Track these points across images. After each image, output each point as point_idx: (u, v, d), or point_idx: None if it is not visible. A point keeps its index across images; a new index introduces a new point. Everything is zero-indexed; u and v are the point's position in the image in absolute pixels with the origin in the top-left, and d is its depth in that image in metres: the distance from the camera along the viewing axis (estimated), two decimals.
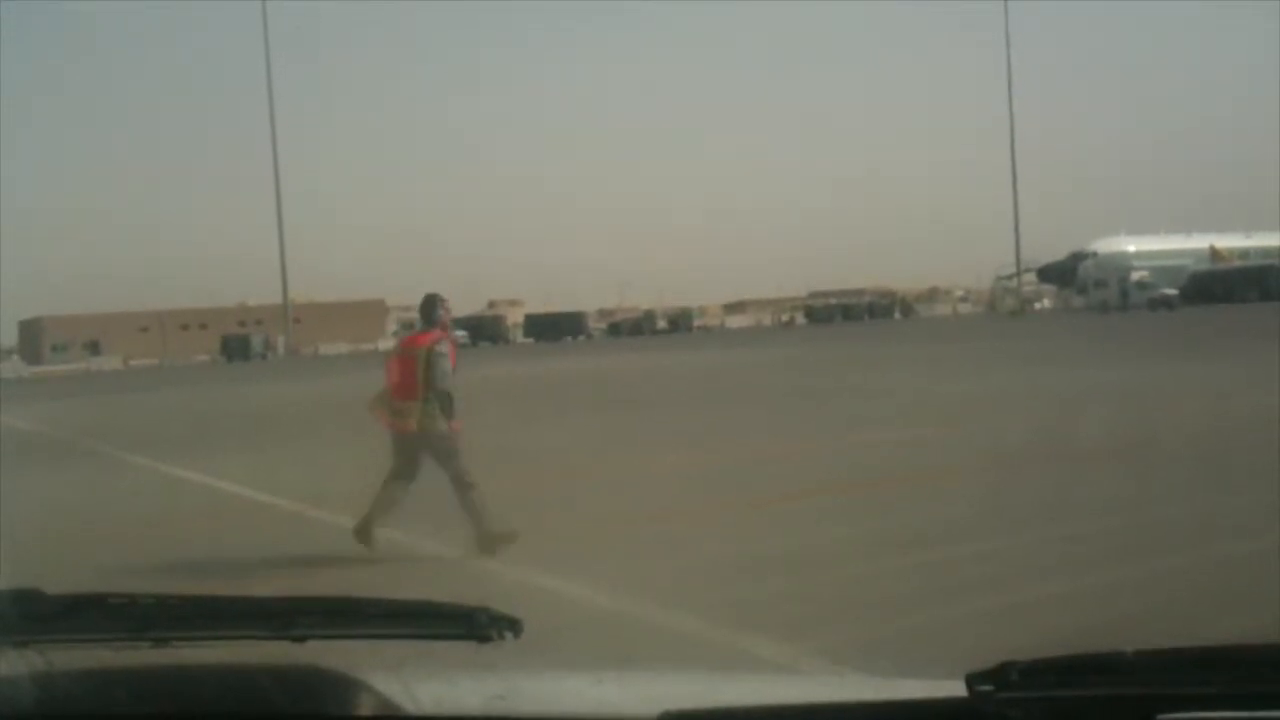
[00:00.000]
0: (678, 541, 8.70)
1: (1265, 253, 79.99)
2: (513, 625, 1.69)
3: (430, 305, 8.91)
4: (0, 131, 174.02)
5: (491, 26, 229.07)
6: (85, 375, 72.70)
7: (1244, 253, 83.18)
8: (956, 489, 10.54)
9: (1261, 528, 7.77)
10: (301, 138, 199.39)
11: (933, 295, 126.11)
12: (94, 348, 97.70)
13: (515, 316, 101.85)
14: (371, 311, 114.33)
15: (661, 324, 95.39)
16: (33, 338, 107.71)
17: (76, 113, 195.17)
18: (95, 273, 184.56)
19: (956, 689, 1.41)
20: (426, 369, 8.49)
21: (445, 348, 8.65)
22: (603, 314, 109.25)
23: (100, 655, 1.76)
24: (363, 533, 8.42)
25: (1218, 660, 1.37)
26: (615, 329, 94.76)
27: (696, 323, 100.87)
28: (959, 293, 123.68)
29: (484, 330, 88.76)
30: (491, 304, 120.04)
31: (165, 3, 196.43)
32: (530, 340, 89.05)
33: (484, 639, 1.68)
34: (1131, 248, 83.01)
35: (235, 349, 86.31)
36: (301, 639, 1.72)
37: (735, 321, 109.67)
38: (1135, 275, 74.06)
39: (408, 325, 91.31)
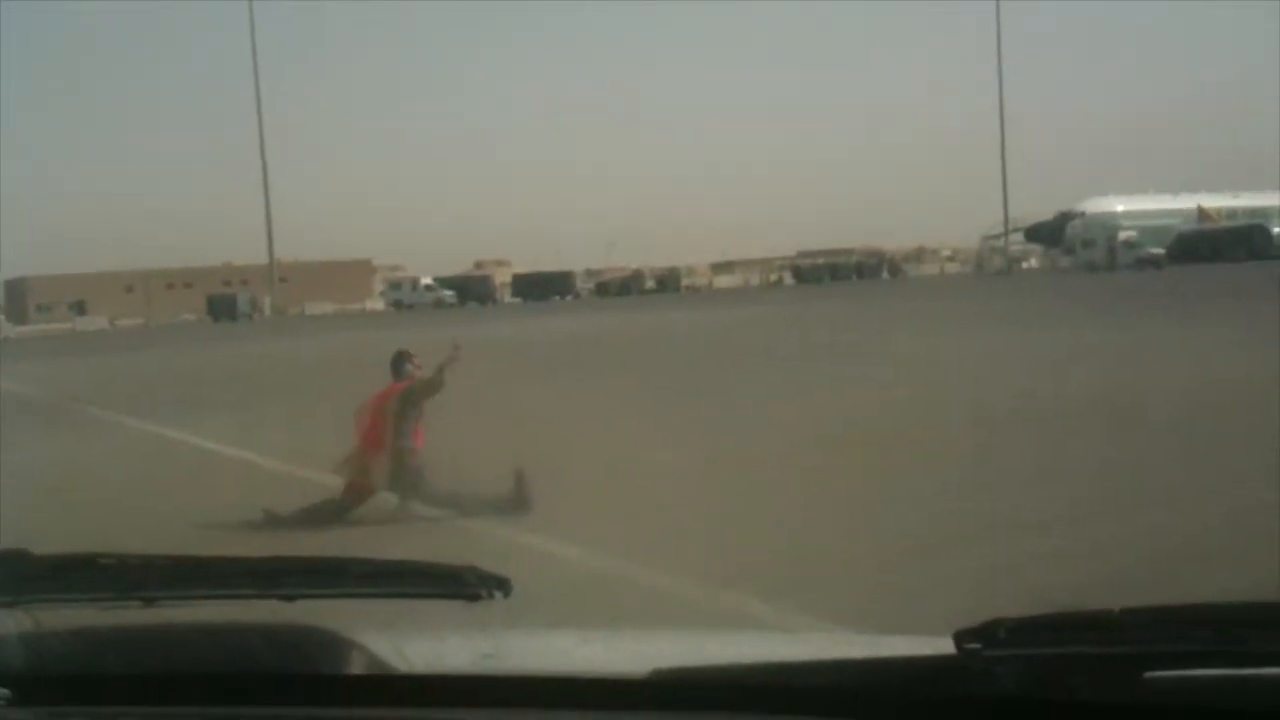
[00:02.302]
0: (666, 502, 8.73)
1: (1252, 213, 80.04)
2: (501, 585, 1.69)
3: (399, 360, 8.91)
4: None
5: None
6: (71, 335, 72.37)
7: (1231, 212, 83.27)
8: (941, 449, 10.58)
9: (1234, 488, 7.88)
10: (287, 97, 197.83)
11: (920, 255, 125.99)
12: (79, 308, 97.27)
13: (503, 276, 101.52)
14: (358, 272, 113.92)
15: (649, 284, 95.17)
16: (18, 298, 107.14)
17: (61, 74, 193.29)
18: (80, 233, 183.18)
19: (945, 646, 1.41)
20: (398, 414, 8.47)
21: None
22: (590, 274, 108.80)
23: (89, 615, 1.76)
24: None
25: (1205, 619, 1.37)
26: (603, 289, 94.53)
27: (684, 283, 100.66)
28: (946, 252, 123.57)
29: (471, 290, 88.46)
30: (478, 264, 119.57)
31: None
32: (518, 300, 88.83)
33: (473, 598, 1.68)
34: (1119, 207, 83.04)
35: (221, 309, 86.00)
36: (290, 598, 1.72)
37: (723, 281, 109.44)
38: (1122, 235, 74.10)
39: (395, 285, 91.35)
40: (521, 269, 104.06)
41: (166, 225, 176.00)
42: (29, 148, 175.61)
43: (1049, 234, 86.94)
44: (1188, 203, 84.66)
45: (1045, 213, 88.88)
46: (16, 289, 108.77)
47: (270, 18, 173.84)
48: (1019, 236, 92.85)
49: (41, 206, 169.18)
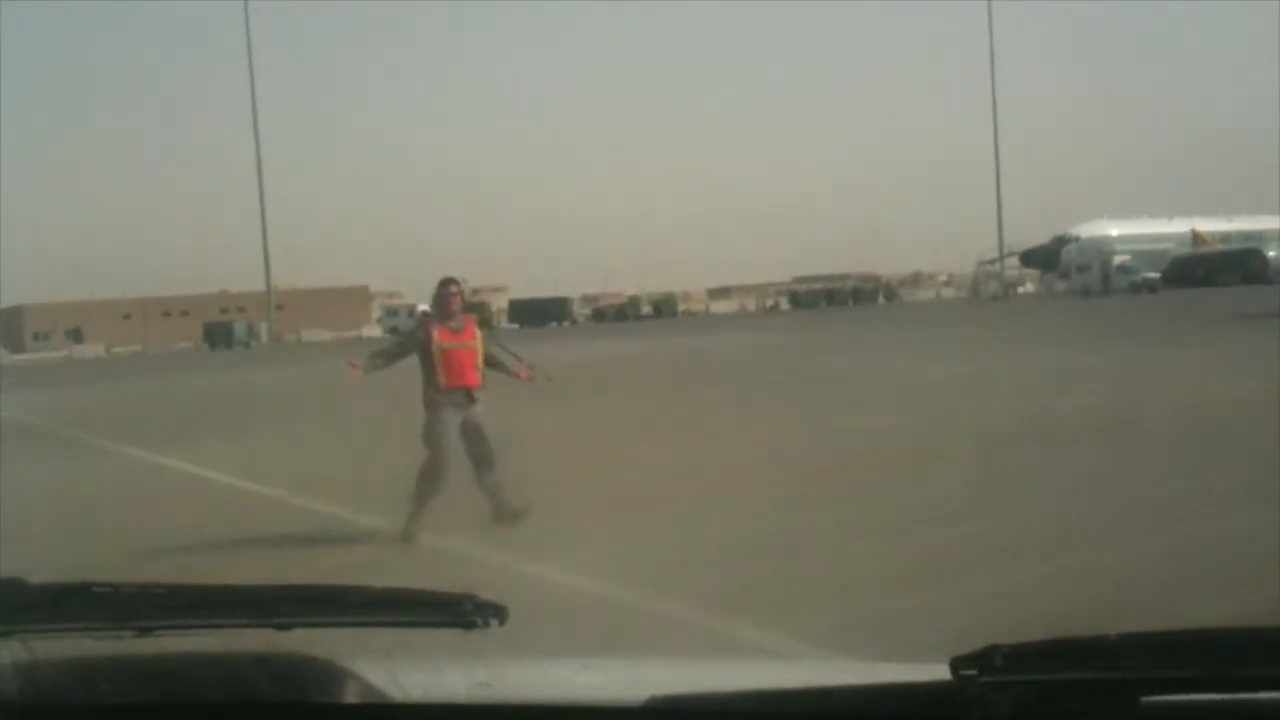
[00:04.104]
0: (660, 527, 8.71)
1: (1247, 236, 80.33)
2: (498, 612, 1.69)
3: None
4: None
5: (475, 15, 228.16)
6: (68, 363, 72.29)
7: (1226, 236, 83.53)
8: (939, 473, 10.57)
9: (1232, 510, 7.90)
10: (284, 124, 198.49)
11: (916, 280, 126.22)
12: (76, 335, 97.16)
13: (500, 302, 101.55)
14: (355, 298, 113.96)
15: (646, 309, 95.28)
16: (14, 326, 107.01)
17: (57, 102, 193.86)
18: (77, 260, 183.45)
19: (941, 673, 1.41)
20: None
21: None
22: (587, 299, 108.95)
23: (84, 645, 1.75)
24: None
25: (1202, 644, 1.37)
26: (600, 314, 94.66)
27: (681, 308, 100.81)
28: (942, 277, 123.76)
29: None
30: (476, 290, 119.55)
31: None
32: (515, 326, 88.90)
33: (469, 626, 1.68)
34: (1114, 231, 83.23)
35: (218, 336, 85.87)
36: (286, 627, 1.72)
37: (720, 307, 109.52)
38: (1117, 259, 74.23)
39: (391, 312, 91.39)
40: (519, 295, 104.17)
41: (163, 252, 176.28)
42: (25, 175, 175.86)
43: (1044, 258, 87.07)
44: (1182, 226, 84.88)
45: (1041, 237, 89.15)
46: (13, 317, 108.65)
47: (267, 43, 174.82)
48: (1014, 261, 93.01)
49: (38, 234, 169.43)
